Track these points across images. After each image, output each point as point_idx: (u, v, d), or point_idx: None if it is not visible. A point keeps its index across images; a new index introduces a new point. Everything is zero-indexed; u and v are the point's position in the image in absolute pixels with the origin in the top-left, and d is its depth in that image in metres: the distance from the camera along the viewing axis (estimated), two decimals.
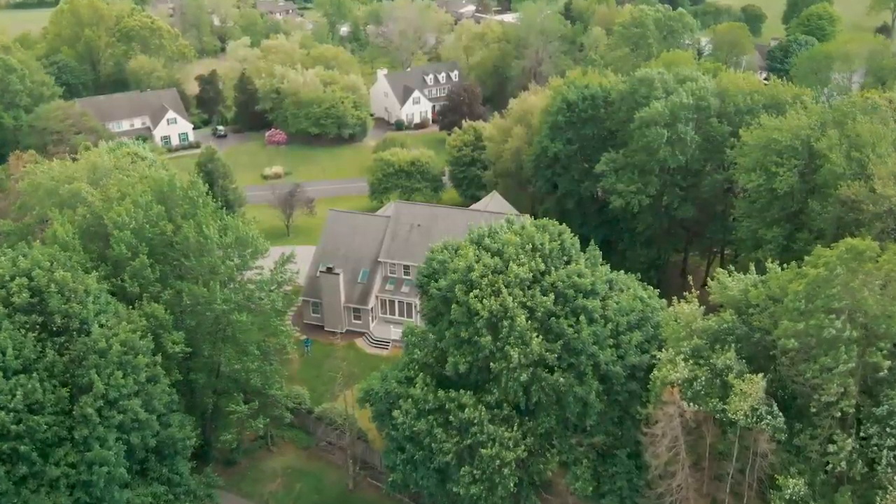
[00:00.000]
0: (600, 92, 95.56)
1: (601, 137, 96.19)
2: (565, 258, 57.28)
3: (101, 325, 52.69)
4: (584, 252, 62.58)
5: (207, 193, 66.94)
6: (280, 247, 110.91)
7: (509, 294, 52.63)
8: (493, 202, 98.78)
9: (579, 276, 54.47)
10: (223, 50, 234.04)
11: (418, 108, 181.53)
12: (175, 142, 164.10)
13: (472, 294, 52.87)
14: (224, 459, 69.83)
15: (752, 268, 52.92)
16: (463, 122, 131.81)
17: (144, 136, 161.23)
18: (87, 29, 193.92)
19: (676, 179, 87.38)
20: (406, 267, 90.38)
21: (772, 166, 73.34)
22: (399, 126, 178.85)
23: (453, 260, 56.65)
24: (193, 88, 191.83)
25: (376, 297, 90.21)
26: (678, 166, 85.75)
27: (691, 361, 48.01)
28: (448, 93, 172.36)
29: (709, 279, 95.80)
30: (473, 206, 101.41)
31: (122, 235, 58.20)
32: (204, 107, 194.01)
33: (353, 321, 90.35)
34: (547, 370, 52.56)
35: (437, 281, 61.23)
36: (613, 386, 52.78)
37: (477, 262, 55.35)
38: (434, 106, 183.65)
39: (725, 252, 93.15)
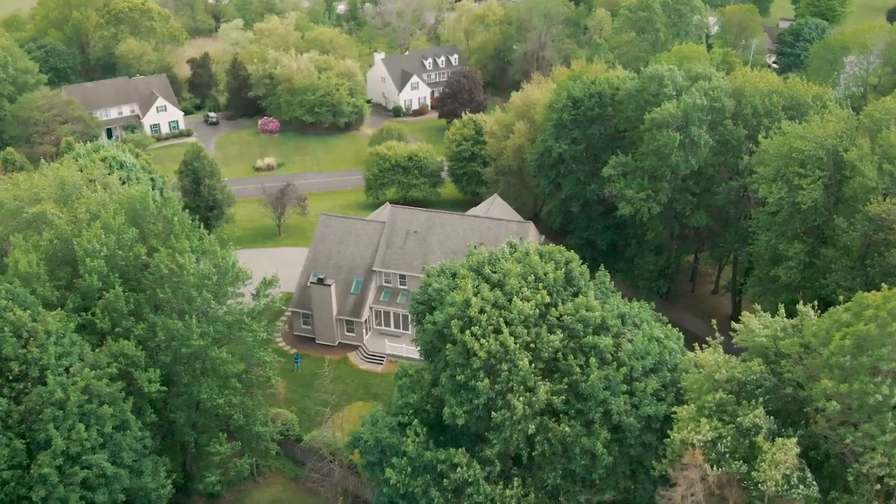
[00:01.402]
0: (608, 89, 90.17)
1: (608, 137, 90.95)
2: (573, 289, 52.25)
3: (65, 370, 47.92)
4: (594, 277, 57.72)
5: (185, 208, 61.98)
6: (271, 248, 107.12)
7: (511, 333, 47.71)
8: (495, 206, 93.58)
9: (588, 309, 49.52)
10: (217, 29, 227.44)
11: (417, 93, 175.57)
12: (165, 130, 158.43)
13: (468, 332, 47.97)
14: (207, 492, 65.26)
15: (782, 309, 47.84)
16: (463, 113, 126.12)
17: (133, 124, 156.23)
18: (76, 11, 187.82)
19: (689, 185, 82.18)
20: (402, 276, 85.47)
21: (794, 177, 68.19)
22: (397, 112, 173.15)
23: (450, 292, 51.57)
24: (185, 71, 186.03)
25: (370, 308, 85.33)
26: (691, 172, 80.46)
27: (715, 418, 43.18)
28: (448, 78, 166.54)
29: (721, 287, 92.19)
30: (473, 210, 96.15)
31: (94, 265, 53.19)
32: (196, 91, 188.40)
33: (346, 333, 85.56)
34: (553, 418, 47.79)
35: (432, 310, 56.58)
36: (626, 438, 47.99)
37: (475, 294, 50.42)
38: (433, 91, 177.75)
39: (738, 258, 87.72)
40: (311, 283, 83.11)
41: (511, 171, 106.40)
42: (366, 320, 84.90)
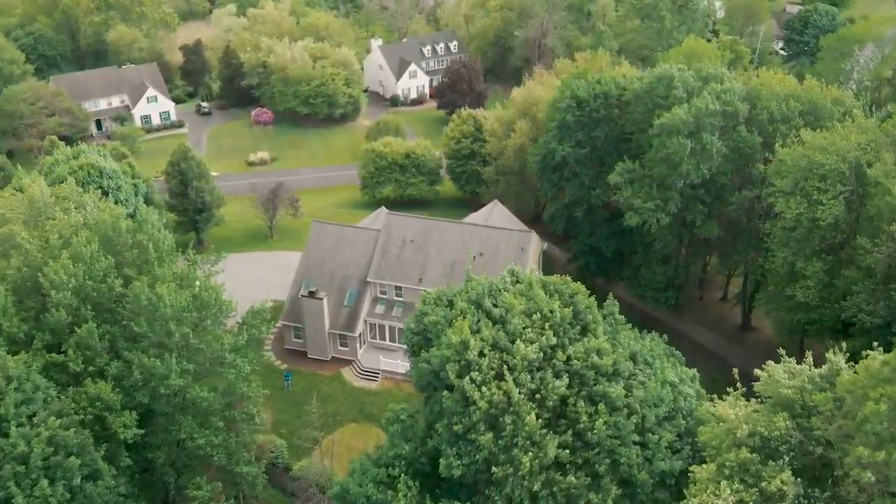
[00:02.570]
0: (614, 89, 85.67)
1: (614, 139, 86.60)
2: (580, 324, 48.29)
3: (28, 418, 44.10)
4: (602, 305, 53.85)
5: (164, 226, 57.98)
6: (263, 252, 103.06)
7: (514, 380, 43.83)
8: (495, 213, 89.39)
9: (599, 353, 45.60)
10: (212, 12, 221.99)
11: (415, 82, 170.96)
12: (156, 121, 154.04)
13: (467, 379, 44.08)
14: None
15: (810, 358, 43.85)
16: (463, 108, 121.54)
17: (123, 115, 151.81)
18: None
19: (699, 194, 77.93)
20: (398, 288, 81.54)
21: (814, 192, 64.10)
22: (395, 102, 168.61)
23: (447, 325, 47.59)
24: (177, 58, 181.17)
25: (365, 320, 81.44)
26: (702, 180, 76.24)
27: (736, 480, 39.37)
28: (447, 67, 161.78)
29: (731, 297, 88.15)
30: (473, 216, 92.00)
31: (61, 298, 49.24)
32: (189, 78, 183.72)
33: (340, 348, 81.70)
34: (559, 471, 43.99)
35: (428, 341, 52.73)
36: (638, 494, 44.21)
37: (475, 333, 46.50)
38: (432, 80, 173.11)
39: (749, 268, 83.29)
40: (302, 295, 79.12)
41: (512, 172, 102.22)
42: (360, 334, 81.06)
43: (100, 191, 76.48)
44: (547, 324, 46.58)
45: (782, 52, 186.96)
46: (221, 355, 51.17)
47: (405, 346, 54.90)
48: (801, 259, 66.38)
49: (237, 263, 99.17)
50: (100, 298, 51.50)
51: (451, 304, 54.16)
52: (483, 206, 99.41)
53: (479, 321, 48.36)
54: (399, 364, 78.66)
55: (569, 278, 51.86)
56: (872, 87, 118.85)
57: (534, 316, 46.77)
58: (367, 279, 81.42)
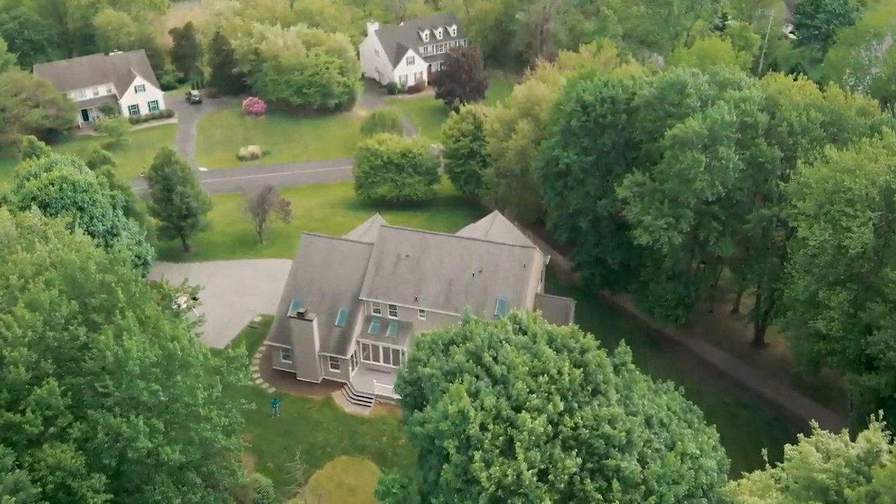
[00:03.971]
0: (622, 93, 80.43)
1: (622, 146, 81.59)
2: (590, 385, 43.77)
3: None
4: (613, 355, 49.36)
5: (146, 239, 53.17)
6: (252, 259, 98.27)
7: (524, 456, 39.31)
8: (496, 225, 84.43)
9: (611, 422, 41.10)
10: None
11: (412, 68, 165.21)
12: (144, 111, 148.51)
13: (475, 460, 39.47)
14: None
15: (846, 434, 39.34)
16: (462, 102, 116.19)
17: (110, 105, 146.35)
18: None
19: (714, 210, 73.06)
20: (392, 307, 76.97)
21: (841, 217, 59.31)
22: (391, 89, 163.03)
23: (442, 396, 43.05)
24: (167, 41, 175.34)
25: (357, 341, 76.91)
26: (717, 197, 71.41)
27: None
28: (446, 55, 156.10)
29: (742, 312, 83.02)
30: (472, 227, 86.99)
31: (17, 356, 44.61)
32: (179, 63, 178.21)
33: (331, 370, 77.28)
34: None
35: (422, 392, 48.45)
36: None
37: (475, 397, 42.02)
38: (430, 66, 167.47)
39: (763, 284, 78.60)
40: (290, 316, 74.50)
41: (513, 175, 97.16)
42: (352, 356, 76.61)
43: (73, 207, 71.76)
44: (554, 387, 42.06)
45: (792, 35, 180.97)
46: (195, 411, 46.57)
47: (396, 393, 50.62)
48: (823, 288, 61.73)
49: (225, 272, 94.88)
50: (62, 348, 46.97)
51: (447, 350, 49.83)
52: (482, 206, 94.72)
53: (478, 378, 43.95)
54: (392, 389, 74.41)
55: (577, 328, 47.16)
56: (886, 78, 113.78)
57: (540, 378, 42.22)
58: (360, 297, 76.82)
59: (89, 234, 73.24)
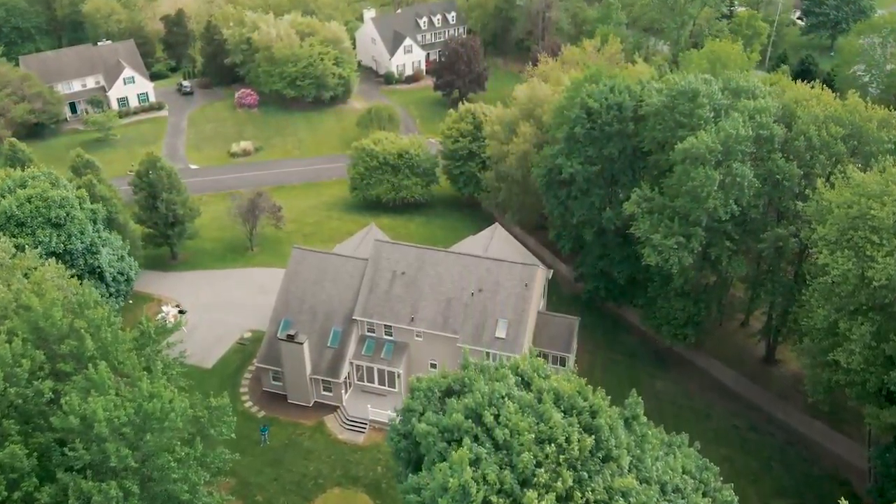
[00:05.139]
0: (629, 99, 76.17)
1: (629, 156, 77.54)
2: (602, 452, 40.12)
3: None
4: (625, 406, 45.76)
5: (120, 276, 49.43)
6: (242, 269, 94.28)
7: None
8: (496, 239, 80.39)
9: (625, 496, 37.54)
10: None
11: (410, 57, 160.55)
12: (134, 103, 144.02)
13: None
14: None
15: None
16: (460, 97, 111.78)
17: (98, 98, 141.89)
18: None
19: (727, 228, 69.12)
20: (388, 327, 73.32)
21: (865, 245, 55.43)
22: (388, 79, 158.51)
23: (439, 464, 39.40)
24: (159, 28, 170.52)
25: (350, 363, 73.32)
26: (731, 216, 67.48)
27: None
28: (445, 43, 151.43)
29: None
30: (471, 240, 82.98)
31: None
32: (171, 50, 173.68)
33: (323, 392, 73.76)
34: None
35: (416, 447, 44.93)
36: None
37: (475, 468, 38.43)
38: (428, 54, 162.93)
39: (776, 307, 74.36)
40: (280, 338, 70.80)
41: (514, 180, 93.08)
42: (345, 379, 73.04)
43: (49, 226, 67.88)
44: (563, 457, 38.42)
45: (800, 21, 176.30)
46: (169, 475, 42.85)
47: (391, 446, 47.05)
48: (844, 318, 58.00)
49: (214, 282, 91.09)
50: (27, 404, 43.31)
51: (444, 400, 46.28)
52: (482, 209, 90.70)
53: (478, 441, 40.35)
54: (388, 415, 70.92)
55: (584, 382, 43.44)
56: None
57: (547, 448, 38.55)
58: (353, 317, 73.12)
59: (67, 253, 69.59)
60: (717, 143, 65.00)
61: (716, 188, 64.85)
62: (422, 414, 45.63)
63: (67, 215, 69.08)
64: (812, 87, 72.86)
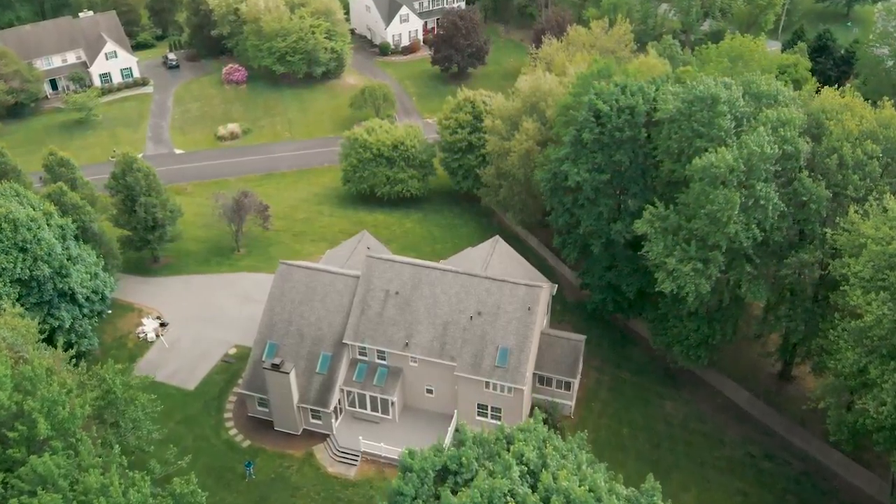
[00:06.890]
0: (642, 103, 70.15)
1: (641, 165, 71.79)
2: None
3: None
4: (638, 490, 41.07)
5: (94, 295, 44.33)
6: (227, 273, 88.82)
7: None
8: (496, 255, 74.76)
9: None
10: None
11: (407, 27, 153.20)
12: (117, 79, 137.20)
13: None
14: None
15: None
16: (459, 89, 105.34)
17: (80, 74, 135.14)
18: None
19: (747, 252, 63.76)
20: (381, 352, 68.50)
21: None
22: (384, 50, 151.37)
23: None
24: None
25: (341, 389, 68.67)
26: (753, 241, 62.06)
27: None
28: (442, 12, 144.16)
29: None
30: (469, 253, 77.31)
31: None
32: (157, 17, 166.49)
33: (312, 420, 69.24)
34: None
35: None
36: None
37: None
38: (426, 23, 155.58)
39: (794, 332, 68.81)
40: (265, 367, 65.91)
41: (516, 180, 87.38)
42: (335, 407, 68.42)
43: (15, 249, 62.57)
44: None
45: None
46: None
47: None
48: (875, 364, 53.12)
49: (197, 289, 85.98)
50: None
51: (438, 484, 41.62)
52: (481, 206, 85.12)
53: None
54: (382, 447, 66.60)
55: (597, 479, 38.61)
56: None
57: None
58: (344, 341, 68.25)
59: (33, 279, 64.38)
60: (740, 162, 59.34)
61: (737, 212, 59.37)
62: (413, 499, 41.07)
63: (34, 237, 63.66)
64: (842, 95, 66.75)
